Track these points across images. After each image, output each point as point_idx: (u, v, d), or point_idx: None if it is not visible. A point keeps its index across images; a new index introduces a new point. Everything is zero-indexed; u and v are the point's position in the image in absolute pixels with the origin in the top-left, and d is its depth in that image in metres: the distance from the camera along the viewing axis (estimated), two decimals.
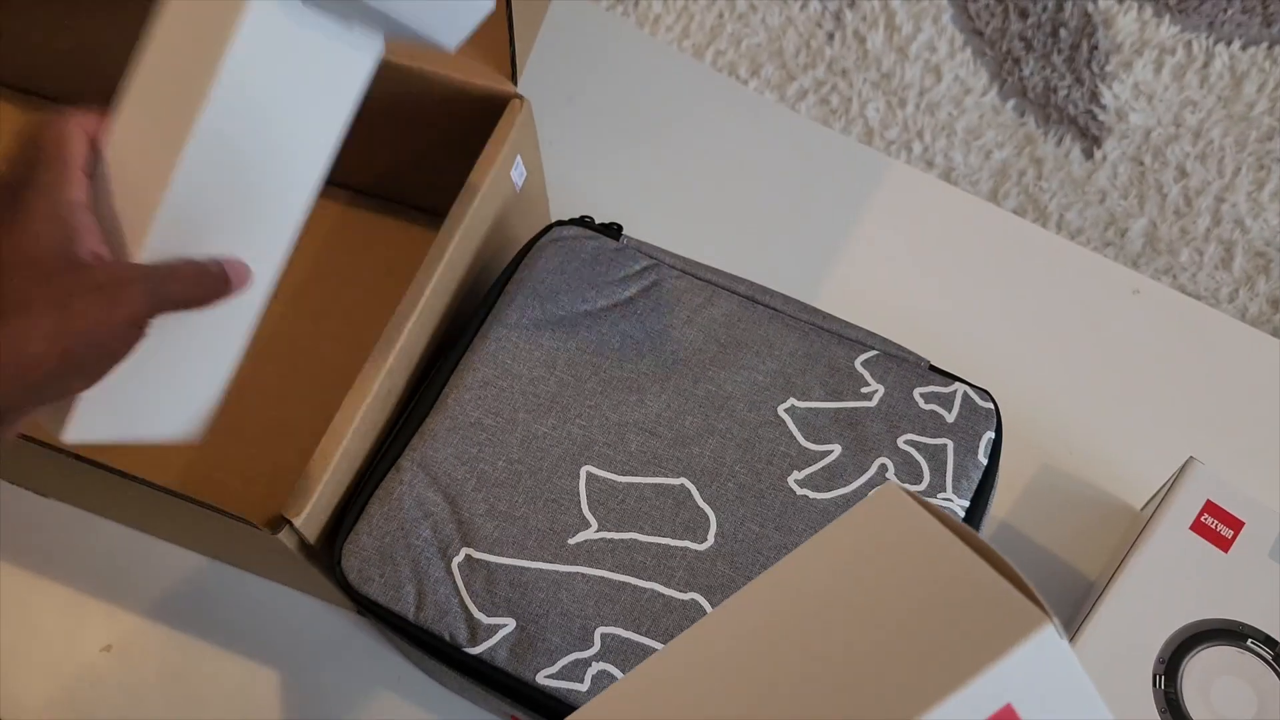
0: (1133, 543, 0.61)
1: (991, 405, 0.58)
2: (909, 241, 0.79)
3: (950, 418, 0.57)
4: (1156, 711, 0.57)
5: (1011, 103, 0.86)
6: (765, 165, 0.82)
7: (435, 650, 0.54)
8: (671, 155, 0.82)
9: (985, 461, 0.57)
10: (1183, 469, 0.62)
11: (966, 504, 0.56)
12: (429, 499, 0.55)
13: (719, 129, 0.84)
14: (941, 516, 0.31)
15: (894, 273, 0.78)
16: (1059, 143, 0.85)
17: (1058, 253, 0.79)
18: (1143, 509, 0.67)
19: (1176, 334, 0.76)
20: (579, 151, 0.82)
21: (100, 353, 0.40)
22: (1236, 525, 0.61)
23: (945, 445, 0.57)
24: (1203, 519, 0.61)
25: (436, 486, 0.55)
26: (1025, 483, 0.70)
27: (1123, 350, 0.75)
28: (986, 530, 0.69)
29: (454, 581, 0.54)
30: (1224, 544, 0.60)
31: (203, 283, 0.43)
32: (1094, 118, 0.85)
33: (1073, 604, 0.67)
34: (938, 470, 0.56)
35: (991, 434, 0.57)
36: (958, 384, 0.59)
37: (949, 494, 0.55)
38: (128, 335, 0.41)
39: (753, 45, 0.89)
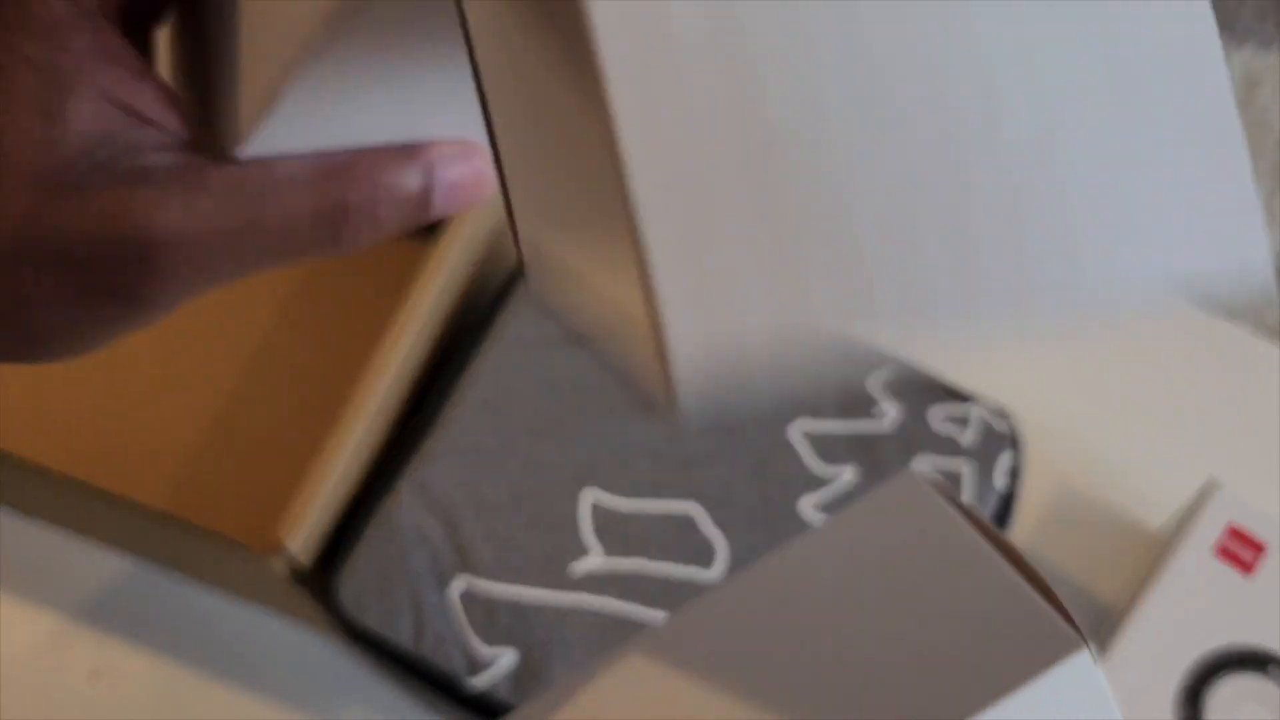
0: (1153, 568, 0.59)
1: (1009, 427, 0.57)
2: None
3: (966, 441, 0.56)
4: None
5: None
6: None
7: (433, 681, 0.53)
8: None
9: (1001, 487, 0.55)
10: (1203, 491, 0.61)
11: None
12: (427, 524, 0.54)
13: None
14: (971, 513, 0.29)
15: None
16: None
17: None
18: (1163, 532, 0.66)
19: (1196, 351, 0.75)
20: None
21: None
22: (1260, 548, 0.59)
23: (961, 470, 0.55)
24: (1225, 543, 0.59)
25: (435, 511, 0.54)
26: (1041, 503, 0.69)
27: (1148, 368, 0.74)
28: None
29: (453, 610, 0.52)
30: (1248, 568, 0.59)
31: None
32: None
33: (1088, 628, 0.65)
34: None
35: (1010, 458, 0.56)
36: (974, 404, 0.57)
37: None
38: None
39: None
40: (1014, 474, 0.56)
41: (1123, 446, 0.71)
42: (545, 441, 0.56)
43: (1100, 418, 0.72)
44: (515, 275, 0.60)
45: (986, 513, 0.55)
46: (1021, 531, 0.67)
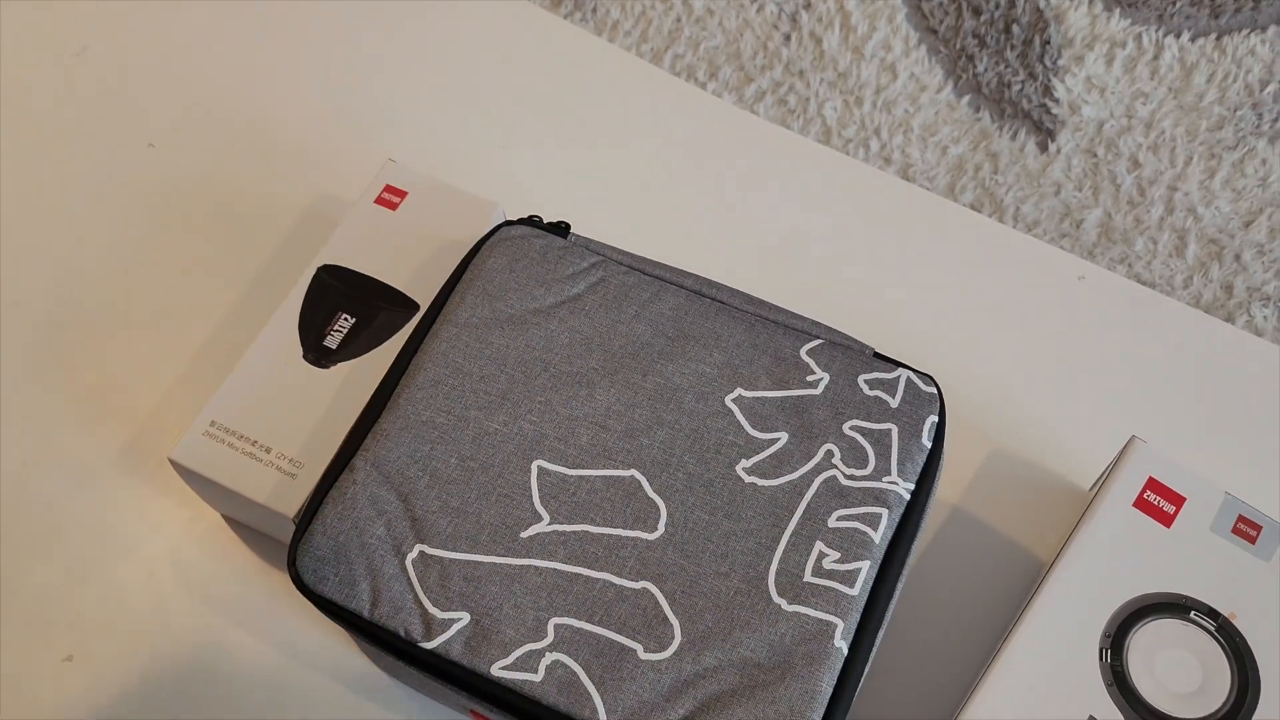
0: (1078, 522, 0.62)
1: (934, 389, 0.59)
2: (864, 237, 0.81)
3: (894, 403, 0.59)
4: (1104, 685, 0.57)
5: (966, 99, 0.87)
6: (723, 166, 0.84)
7: (391, 647, 0.55)
8: (629, 158, 0.84)
9: (929, 444, 0.58)
10: (1125, 448, 0.63)
11: (912, 487, 0.57)
12: (382, 497, 0.56)
13: (677, 132, 0.85)
14: None
15: (849, 268, 0.79)
16: (1014, 137, 0.86)
17: (1008, 244, 0.81)
18: (1090, 489, 0.68)
19: (1122, 318, 0.77)
20: (535, 155, 0.84)
21: None
22: (1178, 501, 0.62)
23: (890, 430, 0.58)
24: (1145, 495, 0.62)
25: (390, 485, 0.57)
26: (976, 468, 0.71)
27: (1071, 336, 0.77)
28: (936, 514, 0.70)
29: (408, 577, 0.55)
30: (1166, 519, 0.61)
31: None
32: (1048, 111, 0.87)
33: (1024, 584, 0.68)
34: (882, 455, 0.57)
35: (935, 417, 0.58)
36: (901, 370, 0.60)
37: (894, 477, 0.57)
38: None
39: (710, 48, 0.90)
40: (939, 433, 0.58)
41: (1055, 411, 0.74)
42: (494, 416, 0.58)
43: (1033, 385, 0.75)
44: (465, 260, 0.63)
45: (915, 470, 0.57)
46: (958, 494, 0.70)
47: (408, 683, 0.64)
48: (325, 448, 0.63)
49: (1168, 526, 0.61)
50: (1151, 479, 0.62)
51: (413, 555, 0.55)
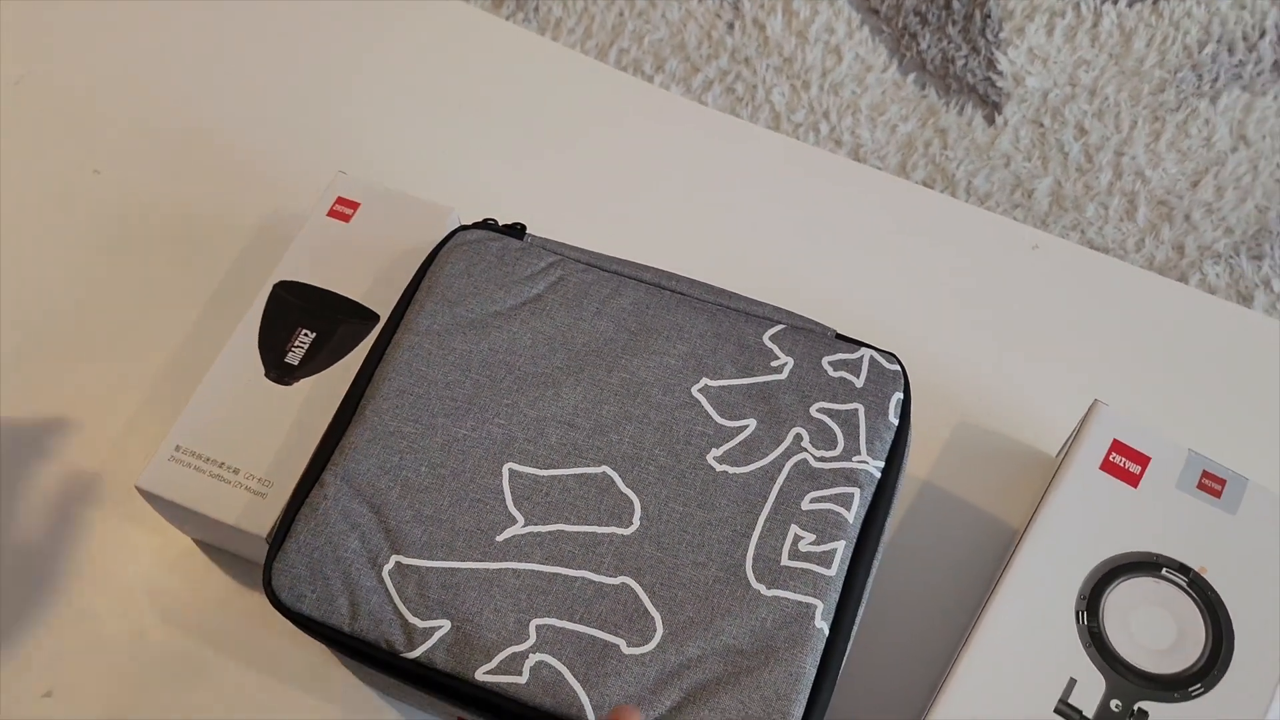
0: (1046, 487, 0.63)
1: (898, 367, 0.60)
2: (820, 220, 0.81)
3: (859, 383, 0.59)
4: (1081, 646, 0.58)
5: (912, 76, 0.88)
6: (675, 158, 0.84)
7: (373, 659, 0.55)
8: (581, 156, 0.84)
9: (896, 421, 0.58)
10: (1089, 412, 0.64)
11: (882, 464, 0.57)
12: (355, 510, 0.56)
13: (627, 126, 0.85)
14: None
15: (807, 251, 0.80)
16: (961, 112, 0.87)
17: (962, 219, 0.81)
18: (1057, 455, 0.69)
19: (1077, 284, 0.78)
20: (488, 158, 0.84)
21: None
22: (1144, 461, 0.63)
23: (856, 410, 0.58)
24: (1111, 458, 0.63)
25: (361, 498, 0.56)
26: (944, 441, 0.72)
27: (1028, 305, 0.77)
28: (908, 490, 0.70)
29: (386, 589, 0.55)
30: (1133, 480, 0.62)
31: None
32: (992, 84, 0.87)
33: (998, 554, 0.68)
34: (851, 435, 0.57)
35: (900, 394, 0.59)
36: (864, 349, 0.60)
37: (864, 456, 0.57)
38: None
39: (655, 41, 0.90)
40: (905, 410, 0.59)
41: (1018, 379, 0.74)
42: (462, 422, 0.58)
43: (995, 355, 0.75)
44: (422, 268, 0.63)
45: (883, 448, 0.58)
46: (926, 468, 0.71)
47: (393, 695, 0.64)
48: (294, 465, 0.62)
49: (1134, 487, 0.62)
50: (1116, 441, 0.63)
51: (389, 566, 0.55)
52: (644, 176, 0.83)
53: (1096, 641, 0.59)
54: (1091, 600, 0.60)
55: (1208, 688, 0.58)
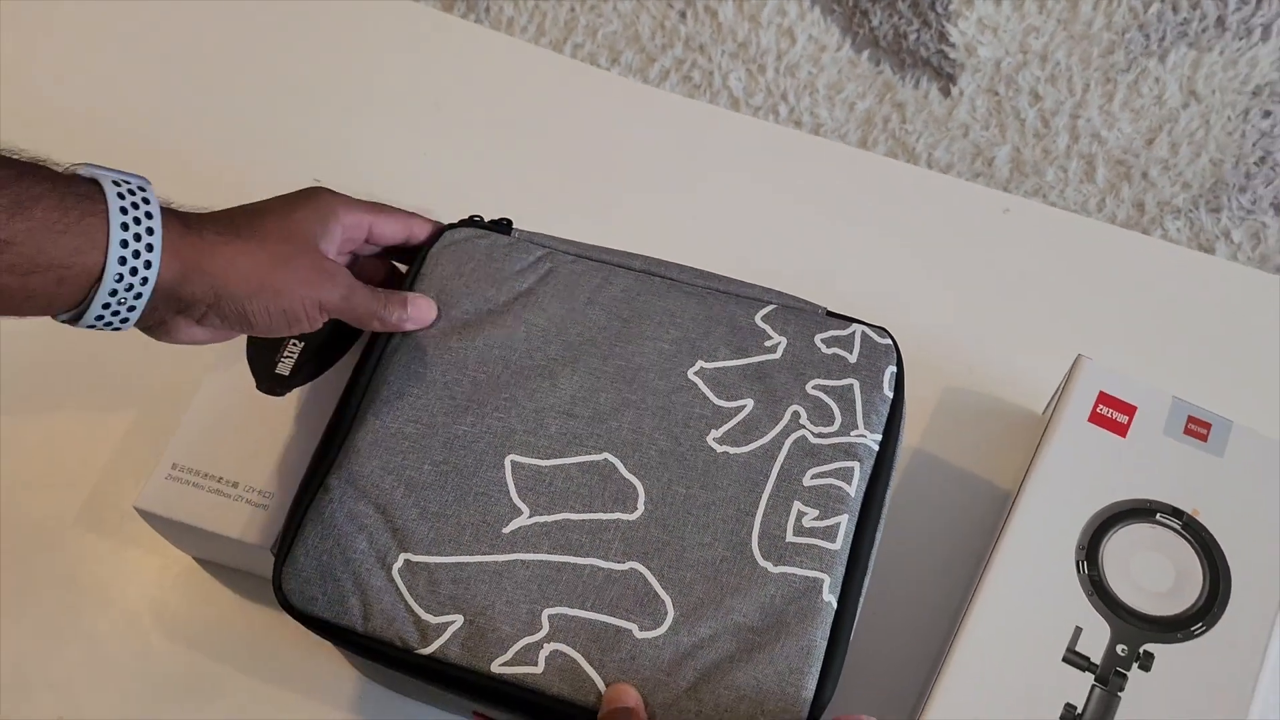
0: (1037, 444, 0.64)
1: (890, 341, 0.60)
2: (791, 199, 0.82)
3: (852, 358, 0.60)
4: (1084, 595, 0.60)
5: (866, 53, 0.89)
6: (641, 146, 0.84)
7: (388, 658, 0.55)
8: (547, 149, 0.84)
9: (891, 395, 0.59)
10: (1073, 367, 0.66)
11: (879, 437, 0.58)
12: (360, 512, 0.56)
13: (590, 118, 0.86)
14: None
15: (782, 230, 0.81)
16: (916, 85, 0.88)
17: (931, 187, 0.83)
18: (1044, 412, 0.71)
19: (1050, 245, 0.80)
20: (455, 157, 0.84)
21: (289, 319, 0.56)
22: (1130, 410, 0.64)
23: (851, 385, 0.59)
24: (1098, 410, 0.64)
25: (366, 499, 0.56)
26: (932, 407, 0.73)
27: (1004, 267, 0.79)
28: (901, 458, 0.71)
29: (397, 587, 0.55)
30: (1121, 430, 0.64)
31: (385, 308, 0.59)
32: (945, 57, 0.89)
33: (994, 514, 0.70)
34: (847, 410, 0.58)
35: (894, 368, 0.60)
36: (855, 325, 0.61)
37: (862, 430, 0.58)
38: (312, 316, 0.56)
39: (609, 34, 0.91)
40: (899, 382, 0.60)
41: (1000, 341, 0.76)
42: (462, 418, 0.58)
43: (975, 319, 0.77)
44: (414, 270, 0.63)
45: (880, 421, 0.59)
46: (917, 434, 0.72)
47: (408, 694, 0.64)
48: (293, 476, 0.62)
49: (1123, 436, 0.64)
50: (1102, 393, 0.64)
51: (398, 565, 0.55)
52: (608, 166, 0.83)
53: (1098, 589, 0.60)
54: (1090, 549, 0.61)
55: (1209, 625, 0.59)
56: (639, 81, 0.89)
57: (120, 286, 0.50)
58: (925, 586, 0.68)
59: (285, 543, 0.56)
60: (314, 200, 0.58)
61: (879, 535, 0.58)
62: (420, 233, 0.63)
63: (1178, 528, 0.61)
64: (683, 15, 0.91)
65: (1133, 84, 0.87)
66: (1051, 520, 0.61)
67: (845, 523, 0.56)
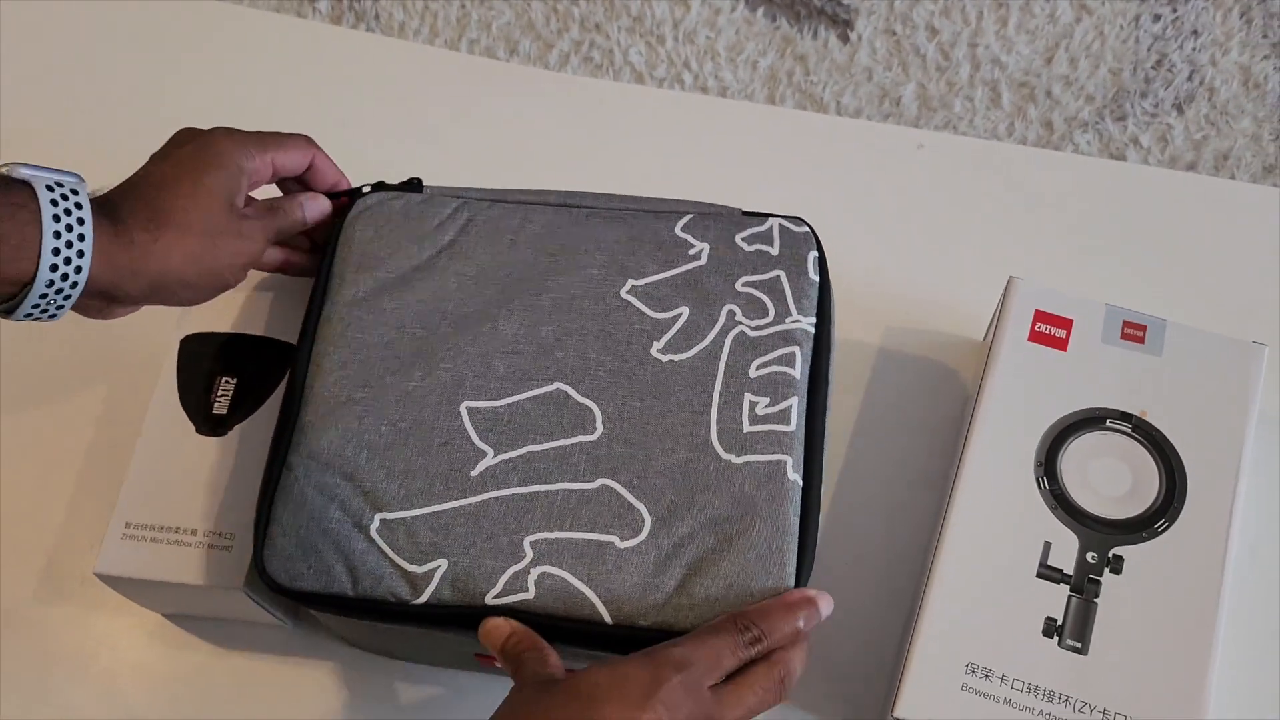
0: (983, 370, 0.65)
1: (807, 228, 0.62)
2: (707, 163, 0.82)
3: (774, 250, 0.62)
4: (1048, 509, 0.60)
5: (760, 11, 0.89)
6: (552, 131, 0.84)
7: (385, 614, 0.55)
8: (459, 147, 0.83)
9: (817, 278, 0.61)
10: (1006, 289, 0.66)
11: (814, 320, 0.60)
12: (329, 483, 0.56)
13: (497, 111, 0.85)
14: None
15: (703, 195, 0.80)
16: (815, 35, 0.88)
17: (843, 132, 0.83)
18: (985, 338, 0.71)
19: (968, 173, 0.81)
20: (365, 166, 0.82)
21: (218, 288, 0.58)
22: (1067, 324, 0.65)
23: (779, 276, 0.61)
24: (1036, 328, 0.65)
25: (331, 469, 0.56)
26: (875, 349, 0.74)
27: (926, 203, 0.80)
28: (853, 402, 0.72)
29: (378, 547, 0.55)
30: (1061, 344, 0.65)
31: (288, 220, 0.61)
32: (840, 3, 0.89)
33: (950, 445, 0.70)
34: (779, 300, 0.60)
35: (815, 252, 0.62)
36: (771, 219, 0.63)
37: (795, 316, 0.60)
38: (239, 277, 0.59)
39: (503, 25, 0.90)
40: (822, 265, 0.62)
41: (933, 274, 0.76)
42: (410, 375, 0.58)
43: (906, 257, 0.77)
44: (332, 242, 0.63)
45: (811, 305, 0.60)
46: (865, 379, 0.73)
47: (407, 656, 0.64)
48: (249, 512, 0.61)
49: (1064, 350, 0.64)
50: (1038, 311, 0.65)
51: (375, 525, 0.55)
52: (520, 156, 0.83)
53: (1061, 502, 0.61)
54: (1048, 464, 0.62)
55: (1171, 521, 0.60)
56: (540, 68, 0.88)
57: (51, 290, 0.52)
58: (887, 529, 0.69)
59: (260, 528, 0.56)
60: (219, 159, 0.58)
61: (829, 410, 0.60)
62: (321, 162, 0.64)
63: (1128, 431, 0.62)
64: None
65: (1025, 5, 0.88)
66: (1007, 442, 0.62)
67: (796, 404, 0.57)
